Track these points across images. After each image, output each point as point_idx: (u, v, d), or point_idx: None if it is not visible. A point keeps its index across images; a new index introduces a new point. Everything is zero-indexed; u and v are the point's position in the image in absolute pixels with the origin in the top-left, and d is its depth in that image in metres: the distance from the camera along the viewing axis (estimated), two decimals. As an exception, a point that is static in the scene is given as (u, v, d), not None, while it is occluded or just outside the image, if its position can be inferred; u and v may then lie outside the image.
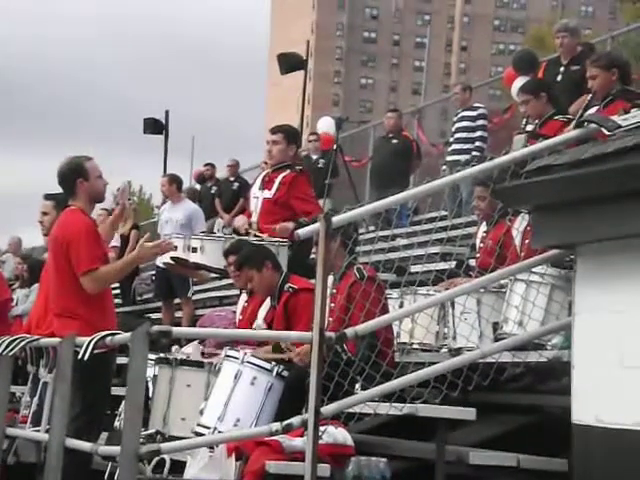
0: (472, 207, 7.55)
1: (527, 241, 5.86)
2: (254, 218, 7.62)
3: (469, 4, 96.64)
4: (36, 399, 5.91)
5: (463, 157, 11.10)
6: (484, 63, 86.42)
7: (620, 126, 4.60)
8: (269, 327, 6.54)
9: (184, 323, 10.84)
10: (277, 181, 7.51)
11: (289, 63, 13.99)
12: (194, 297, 11.74)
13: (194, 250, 7.44)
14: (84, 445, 5.21)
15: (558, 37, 8.86)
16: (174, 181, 11.47)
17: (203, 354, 6.87)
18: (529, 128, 7.08)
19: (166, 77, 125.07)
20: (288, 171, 7.54)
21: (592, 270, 4.57)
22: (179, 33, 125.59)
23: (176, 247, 7.54)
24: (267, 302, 6.73)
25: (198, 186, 15.74)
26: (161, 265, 10.47)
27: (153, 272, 12.60)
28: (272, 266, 6.60)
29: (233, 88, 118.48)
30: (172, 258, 7.69)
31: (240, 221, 7.87)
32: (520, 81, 10.16)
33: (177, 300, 11.47)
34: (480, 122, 11.52)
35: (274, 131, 7.75)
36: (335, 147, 12.89)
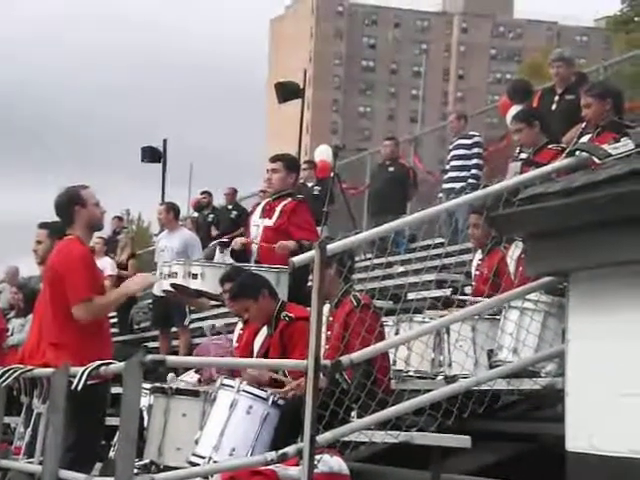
0: (467, 234, 7.58)
1: (521, 269, 5.88)
2: (254, 247, 7.64)
3: (465, 33, 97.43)
4: (29, 430, 5.87)
5: (459, 185, 11.14)
6: (481, 91, 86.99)
7: (610, 155, 4.65)
8: (265, 356, 6.53)
9: (181, 351, 10.82)
10: (278, 209, 7.55)
11: (286, 92, 14.05)
12: (191, 326, 11.73)
13: (194, 277, 7.44)
14: (78, 476, 5.18)
15: (553, 67, 8.94)
16: (171, 209, 11.50)
17: (200, 381, 6.85)
18: (523, 156, 7.12)
19: (164, 105, 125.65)
20: (289, 199, 7.60)
21: (585, 297, 4.59)
22: (177, 61, 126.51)
23: (176, 274, 7.56)
24: (263, 330, 6.73)
25: (196, 214, 15.78)
26: (158, 294, 10.49)
27: (150, 300, 12.61)
28: (268, 294, 6.60)
29: (232, 116, 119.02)
30: (172, 285, 7.70)
31: (237, 243, 7.89)
32: (515, 110, 10.24)
33: (174, 328, 11.46)
34: (475, 150, 11.58)
35: (274, 160, 7.82)
36: (332, 175, 12.95)
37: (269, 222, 7.55)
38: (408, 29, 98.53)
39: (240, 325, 7.24)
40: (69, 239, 5.97)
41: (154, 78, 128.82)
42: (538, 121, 6.93)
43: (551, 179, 4.93)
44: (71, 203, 5.93)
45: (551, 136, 6.96)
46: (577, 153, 4.89)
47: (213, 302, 8.39)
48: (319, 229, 11.27)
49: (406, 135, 17.59)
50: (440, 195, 11.53)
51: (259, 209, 7.82)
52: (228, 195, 15.08)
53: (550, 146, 6.77)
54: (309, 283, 6.64)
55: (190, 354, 9.79)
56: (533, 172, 5.23)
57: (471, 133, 11.83)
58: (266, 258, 7.43)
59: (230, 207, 14.86)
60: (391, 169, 12.64)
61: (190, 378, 7.02)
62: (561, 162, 5.12)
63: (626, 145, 4.64)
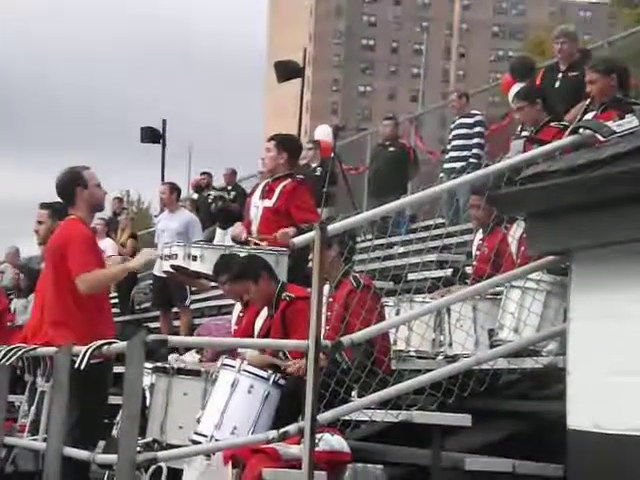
0: (469, 215, 7.57)
1: (523, 248, 5.88)
2: (254, 227, 7.63)
3: (467, 11, 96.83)
4: (34, 408, 5.91)
5: (460, 164, 11.11)
6: (483, 70, 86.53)
7: (614, 132, 4.62)
8: (266, 337, 6.54)
9: (182, 332, 10.84)
10: (277, 190, 7.52)
11: (286, 71, 13.99)
12: (192, 306, 11.74)
13: (194, 258, 7.44)
14: (81, 453, 5.22)
15: (557, 43, 8.88)
16: (174, 190, 11.51)
17: (201, 361, 6.87)
18: (525, 134, 7.10)
19: (163, 84, 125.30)
20: (289, 180, 7.56)
21: (587, 276, 4.59)
22: (177, 39, 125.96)
23: (176, 255, 7.56)
24: (263, 312, 6.74)
25: (195, 195, 15.75)
26: (158, 274, 10.49)
27: (151, 281, 12.62)
28: (268, 276, 6.60)
29: (231, 95, 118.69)
30: (172, 266, 7.70)
31: (236, 230, 7.89)
32: (517, 87, 10.20)
33: (176, 309, 11.48)
34: (477, 129, 11.53)
35: (268, 139, 7.81)
36: (333, 155, 12.91)
37: (269, 203, 7.53)
38: (409, 6, 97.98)
39: (239, 307, 7.24)
40: (71, 219, 5.97)
41: (152, 55, 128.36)
42: (540, 99, 6.90)
43: (554, 157, 4.92)
44: (73, 184, 5.93)
45: (553, 114, 6.93)
46: (581, 131, 4.86)
47: (213, 283, 8.39)
48: (320, 210, 11.29)
49: (406, 114, 17.51)
50: (441, 175, 11.50)
51: (259, 190, 7.79)
52: (227, 176, 15.05)
53: (552, 124, 6.74)
54: (309, 264, 6.66)
55: (191, 334, 9.83)
56: (535, 150, 5.22)
57: (473, 112, 11.78)
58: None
59: (229, 188, 14.84)
60: (391, 149, 12.59)
61: (192, 358, 7.04)
62: (564, 140, 5.10)
63: (630, 122, 4.62)
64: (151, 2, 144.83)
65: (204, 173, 15.86)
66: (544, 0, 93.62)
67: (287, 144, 7.77)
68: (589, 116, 5.94)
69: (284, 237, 7.15)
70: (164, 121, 18.08)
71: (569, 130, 5.04)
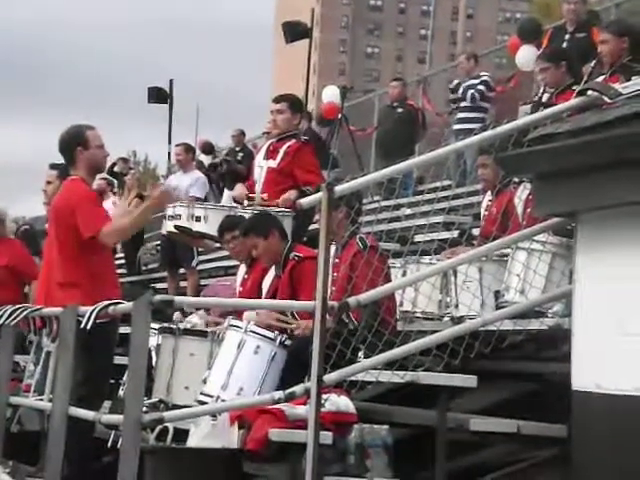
0: (477, 176, 7.54)
1: (529, 210, 5.86)
2: (258, 187, 7.62)
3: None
4: (39, 368, 5.93)
5: (469, 126, 11.08)
6: (490, 31, 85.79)
7: (621, 94, 4.59)
8: (273, 297, 6.55)
9: (189, 293, 10.87)
10: (282, 150, 7.49)
11: (294, 32, 13.89)
12: (199, 267, 11.77)
13: (197, 219, 7.44)
14: (87, 414, 5.23)
15: (569, 3, 8.80)
16: (190, 150, 11.64)
17: (207, 324, 6.89)
18: (545, 97, 7.04)
19: (170, 44, 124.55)
20: (293, 140, 7.54)
21: (592, 238, 4.58)
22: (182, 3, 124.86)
23: (180, 216, 7.56)
24: (271, 272, 6.74)
25: (202, 156, 15.70)
26: (166, 234, 10.51)
27: (158, 242, 12.63)
28: (279, 234, 6.60)
29: (239, 56, 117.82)
30: (176, 227, 7.70)
31: (238, 190, 7.89)
32: (525, 49, 10.12)
33: (183, 270, 11.50)
34: (480, 88, 11.49)
35: (278, 100, 7.73)
36: (340, 116, 12.86)
37: (273, 163, 7.51)
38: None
39: (243, 269, 7.25)
40: (73, 179, 5.95)
41: (157, 18, 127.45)
42: (565, 61, 6.80)
43: (561, 119, 4.89)
44: (74, 143, 5.88)
45: (576, 77, 6.85)
46: (588, 93, 4.82)
47: (217, 244, 8.41)
48: (325, 172, 11.25)
49: (414, 76, 17.39)
50: (450, 136, 11.46)
51: (263, 150, 7.77)
52: (235, 137, 14.99)
53: (574, 87, 6.67)
54: (314, 225, 6.65)
55: (198, 295, 9.86)
56: (543, 112, 5.18)
57: (481, 74, 11.72)
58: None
59: (237, 149, 14.79)
60: (399, 110, 12.54)
61: (199, 319, 7.06)
62: (571, 101, 5.07)
63: (638, 84, 4.58)
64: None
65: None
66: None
67: (299, 105, 7.77)
68: (600, 79, 5.88)
69: (285, 203, 7.15)
70: (171, 81, 17.98)
71: (576, 92, 5.00)
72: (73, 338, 5.31)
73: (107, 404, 5.98)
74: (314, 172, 7.50)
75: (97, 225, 5.66)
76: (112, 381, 6.34)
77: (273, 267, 6.67)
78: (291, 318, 6.14)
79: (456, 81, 11.83)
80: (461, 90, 11.59)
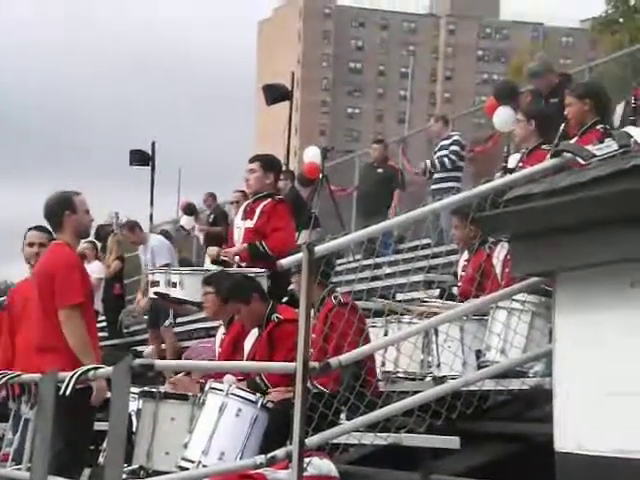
0: (452, 235, 7.60)
1: (507, 269, 5.90)
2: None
3: (453, 35, 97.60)
4: (17, 436, 5.85)
5: (446, 185, 11.19)
6: (468, 92, 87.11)
7: (595, 155, 4.67)
8: (255, 358, 6.53)
9: (168, 354, 10.84)
10: (258, 210, 7.58)
11: (275, 94, 14.05)
12: (179, 328, 11.74)
13: (174, 285, 7.49)
14: (67, 482, 5.16)
15: (532, 83, 9.04)
16: (135, 227, 11.98)
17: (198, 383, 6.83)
18: (510, 161, 7.14)
19: (153, 109, 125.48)
20: (269, 200, 7.62)
21: (571, 297, 4.60)
22: (166, 64, 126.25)
23: (158, 282, 7.65)
24: (254, 332, 6.73)
25: (184, 218, 15.71)
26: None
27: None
28: (259, 297, 6.61)
29: (222, 119, 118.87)
30: (155, 293, 7.75)
31: (213, 251, 7.97)
32: (502, 110, 10.27)
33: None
34: (453, 148, 11.63)
35: (251, 160, 7.84)
36: (321, 176, 12.94)
37: (250, 224, 7.58)
38: (395, 31, 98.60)
39: (222, 330, 7.24)
40: (58, 244, 5.97)
41: (141, 82, 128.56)
42: (535, 120, 6.88)
43: (536, 180, 4.95)
44: (62, 208, 5.93)
45: (544, 137, 6.94)
46: (562, 154, 4.90)
47: (197, 307, 8.43)
48: (306, 232, 11.31)
49: (394, 136, 17.61)
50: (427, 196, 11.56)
51: (240, 211, 7.85)
52: (205, 201, 15.12)
53: (544, 146, 6.76)
54: (292, 285, 6.67)
55: (176, 356, 9.85)
56: (518, 173, 5.25)
57: (451, 133, 11.89)
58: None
59: (209, 212, 14.84)
60: (380, 170, 12.67)
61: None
62: (546, 163, 5.14)
63: (610, 146, 4.67)
64: (146, 27, 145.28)
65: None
66: (527, 25, 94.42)
67: (272, 165, 7.82)
68: (572, 141, 5.99)
69: (228, 254, 7.32)
70: (153, 143, 18.06)
71: (550, 153, 5.08)
72: (52, 405, 5.25)
73: (87, 471, 5.90)
74: (284, 230, 7.53)
75: (66, 301, 5.69)
76: (92, 447, 6.26)
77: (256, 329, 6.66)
78: (261, 384, 6.12)
79: (422, 164, 12.00)
80: (429, 164, 11.75)
